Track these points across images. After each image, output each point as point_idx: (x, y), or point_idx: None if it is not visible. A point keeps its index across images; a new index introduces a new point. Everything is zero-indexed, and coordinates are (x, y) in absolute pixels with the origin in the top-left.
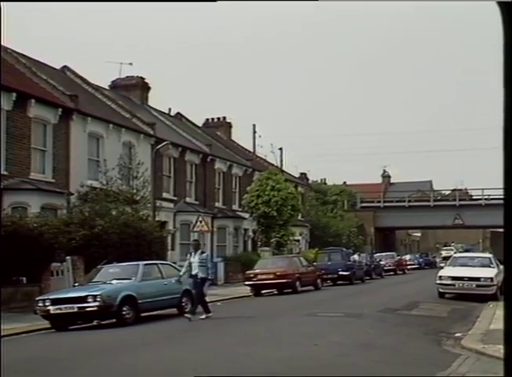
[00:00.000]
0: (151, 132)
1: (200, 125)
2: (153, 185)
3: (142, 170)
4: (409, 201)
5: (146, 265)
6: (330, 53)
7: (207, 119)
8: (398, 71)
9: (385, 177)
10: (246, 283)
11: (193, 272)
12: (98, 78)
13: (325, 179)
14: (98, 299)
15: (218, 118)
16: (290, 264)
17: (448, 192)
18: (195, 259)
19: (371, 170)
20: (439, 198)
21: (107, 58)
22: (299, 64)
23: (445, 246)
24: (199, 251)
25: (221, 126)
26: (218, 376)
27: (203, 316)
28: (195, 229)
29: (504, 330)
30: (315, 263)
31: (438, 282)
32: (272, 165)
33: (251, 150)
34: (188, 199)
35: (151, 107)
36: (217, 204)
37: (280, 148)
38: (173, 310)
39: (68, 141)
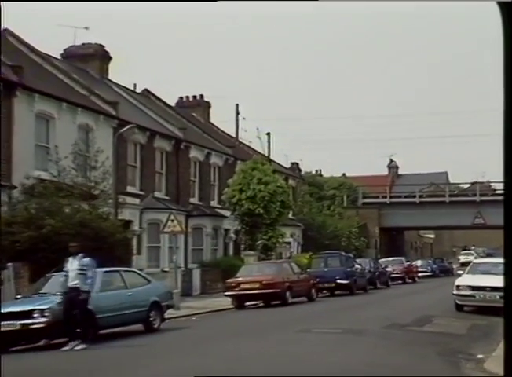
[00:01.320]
0: (113, 112)
1: (173, 104)
2: (115, 177)
3: (102, 158)
4: (420, 196)
5: (106, 272)
6: (329, 26)
7: (181, 98)
8: (404, 48)
9: (392, 168)
10: (227, 293)
11: (70, 284)
12: (48, 46)
13: (321, 170)
14: (46, 314)
15: (194, 97)
16: (279, 271)
17: (466, 186)
18: (73, 266)
19: (375, 160)
20: (456, 192)
21: (58, 21)
22: (291, 37)
23: (464, 250)
24: (80, 256)
25: (198, 106)
26: (218, 376)
27: (79, 347)
28: (165, 230)
29: (504, 329)
30: (308, 270)
31: (455, 292)
32: (258, 153)
33: (233, 135)
34: (157, 194)
35: (113, 83)
36: (192, 200)
37: (268, 133)
38: (139, 326)
39: (11, 123)
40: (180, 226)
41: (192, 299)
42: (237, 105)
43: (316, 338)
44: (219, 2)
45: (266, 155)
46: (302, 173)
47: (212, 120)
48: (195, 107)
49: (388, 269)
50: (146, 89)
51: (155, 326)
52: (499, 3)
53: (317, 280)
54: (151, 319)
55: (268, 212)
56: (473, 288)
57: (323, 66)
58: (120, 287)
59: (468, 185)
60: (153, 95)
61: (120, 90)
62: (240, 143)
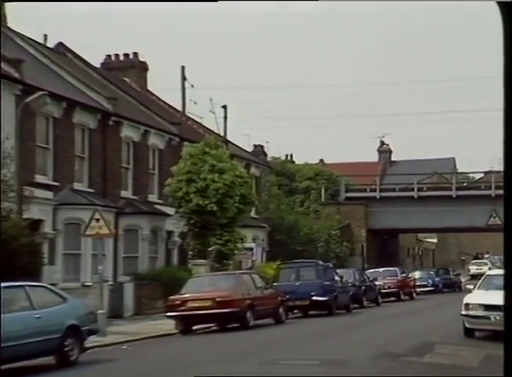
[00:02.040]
0: (16, 75)
1: (98, 65)
2: (19, 162)
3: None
4: (420, 190)
5: (6, 288)
6: None
7: (108, 57)
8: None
9: (384, 152)
10: (170, 314)
11: None
12: None
13: (292, 155)
14: None
15: (127, 56)
16: (237, 285)
17: (479, 176)
18: None
19: (361, 142)
20: (465, 185)
21: None
22: None
23: (475, 258)
24: None
25: (132, 68)
26: (218, 376)
27: None
28: (87, 232)
29: (504, 329)
30: (276, 283)
31: (464, 313)
32: (212, 132)
33: (179, 108)
34: (77, 186)
35: (15, 33)
36: (124, 193)
37: (224, 106)
38: (51, 359)
39: None
40: (107, 227)
41: (123, 322)
42: (183, 68)
43: (286, 372)
44: None
45: (222, 135)
46: (268, 158)
47: (151, 88)
48: (128, 70)
49: (378, 283)
50: (61, 44)
51: (72, 358)
52: (499, 3)
53: (287, 296)
54: (66, 349)
55: (223, 209)
56: (487, 308)
57: (295, 22)
58: (25, 307)
59: (481, 175)
60: (71, 51)
61: (25, 44)
62: (188, 119)
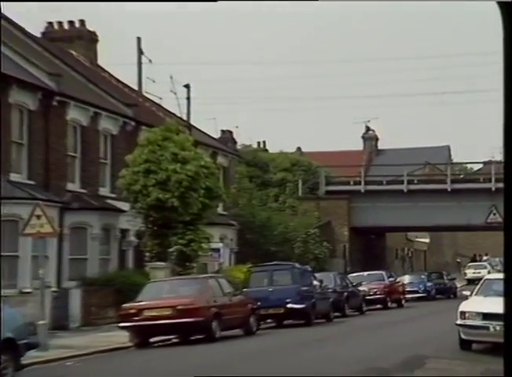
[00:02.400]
0: None
1: (38, 34)
2: None
3: None
4: (410, 182)
5: None
6: None
7: (50, 25)
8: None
9: (369, 139)
10: (123, 324)
11: None
12: None
13: (265, 143)
14: None
15: (72, 24)
16: (201, 291)
17: (477, 167)
18: None
19: (344, 128)
20: (462, 177)
21: None
22: None
23: (472, 261)
24: None
25: (78, 39)
26: (218, 376)
27: None
28: (27, 231)
29: (504, 341)
30: (246, 289)
31: (460, 322)
32: (173, 116)
33: (135, 87)
34: (14, 177)
35: None
36: (70, 186)
37: (187, 86)
38: None
39: None
40: (50, 225)
41: (69, 334)
42: (139, 40)
43: None
44: None
45: (184, 118)
46: (238, 146)
47: (102, 62)
48: (75, 42)
49: (362, 288)
50: None
51: None
52: (499, 3)
53: (258, 303)
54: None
55: (186, 204)
56: (486, 316)
57: None
58: None
59: (480, 166)
60: (5, 18)
61: None
62: (146, 99)
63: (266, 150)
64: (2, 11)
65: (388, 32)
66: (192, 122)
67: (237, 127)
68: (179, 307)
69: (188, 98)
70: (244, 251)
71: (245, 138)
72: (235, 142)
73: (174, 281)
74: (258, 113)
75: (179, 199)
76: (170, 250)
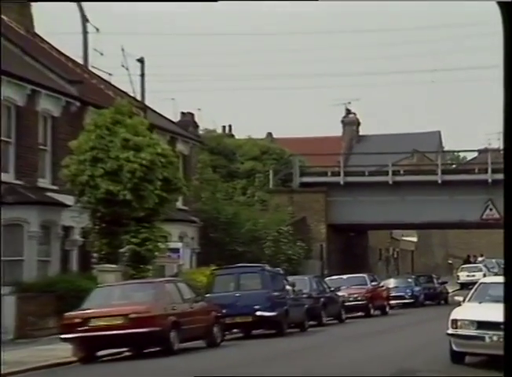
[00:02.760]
0: None
1: None
2: None
3: None
4: (395, 173)
5: None
6: None
7: None
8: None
9: (350, 124)
10: (66, 336)
11: None
12: None
13: (231, 128)
14: None
15: None
16: (158, 296)
17: (472, 156)
18: None
19: (320, 112)
20: (455, 167)
21: None
22: None
23: (466, 262)
24: None
25: (10, 1)
26: (218, 376)
27: None
28: None
29: (504, 353)
30: (209, 294)
31: (451, 332)
32: (125, 95)
33: (80, 61)
34: None
35: None
36: (3, 177)
37: (141, 60)
38: None
39: None
40: None
41: (1, 348)
42: (80, 4)
43: None
44: None
45: (138, 98)
46: (200, 131)
47: (40, 31)
48: (5, 5)
49: (341, 294)
50: None
51: None
52: (499, 3)
53: (223, 311)
54: None
55: (140, 198)
56: (481, 325)
57: None
58: None
59: (474, 155)
60: None
61: None
62: (93, 76)
63: (232, 136)
64: None
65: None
66: (147, 102)
67: (199, 109)
68: (131, 315)
69: (143, 75)
70: (207, 252)
71: (208, 122)
72: (196, 126)
73: (126, 286)
74: (224, 93)
75: (132, 191)
76: (122, 250)
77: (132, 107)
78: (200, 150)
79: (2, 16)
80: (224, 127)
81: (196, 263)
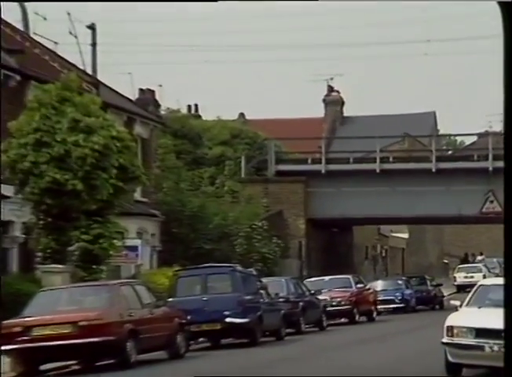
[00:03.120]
0: None
1: None
2: None
3: None
4: (384, 160)
5: None
6: None
7: None
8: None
9: (332, 103)
10: (4, 347)
11: None
12: None
13: (197, 107)
14: None
15: None
16: (112, 301)
17: (471, 140)
18: None
19: (300, 89)
20: (451, 153)
21: None
22: None
23: (463, 261)
24: None
25: None
26: (218, 376)
27: None
28: None
29: (504, 337)
30: (172, 299)
31: (447, 340)
32: (73, 68)
33: (20, 27)
34: None
35: None
36: None
37: (92, 27)
38: None
39: None
40: None
41: None
42: None
43: None
44: None
45: (89, 72)
46: (162, 111)
47: None
48: None
49: (322, 298)
50: None
51: None
52: (499, 3)
53: (188, 317)
54: None
55: (92, 188)
56: (481, 333)
57: None
58: None
59: (473, 139)
60: None
61: None
62: (35, 44)
63: (199, 116)
64: None
65: None
66: (100, 77)
67: (161, 86)
68: (81, 323)
69: (94, 44)
70: (170, 250)
71: (171, 101)
72: (157, 105)
73: (75, 289)
74: (189, 67)
75: (82, 180)
76: (71, 248)
77: (82, 83)
78: (162, 133)
79: None
80: (189, 107)
81: (157, 263)
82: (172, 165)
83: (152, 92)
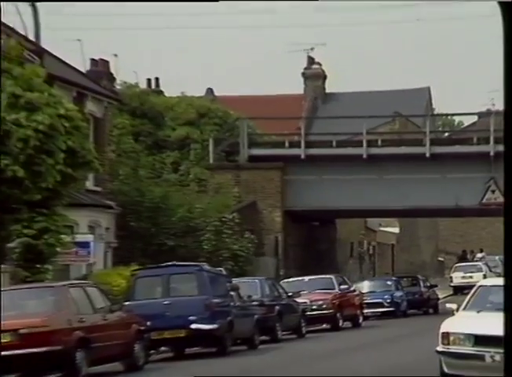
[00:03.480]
0: None
1: None
2: None
3: None
4: (371, 144)
5: None
6: None
7: None
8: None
9: (313, 78)
10: None
11: None
12: None
13: (158, 81)
14: None
15: None
16: (59, 306)
17: (470, 121)
18: None
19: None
20: (447, 135)
21: None
22: None
23: (461, 259)
24: None
25: None
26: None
27: None
28: None
29: (504, 344)
30: (129, 302)
31: (442, 349)
32: (13, 33)
33: None
34: None
35: None
36: None
37: None
38: None
39: None
40: None
41: None
42: None
43: None
44: None
45: (31, 38)
46: (118, 86)
47: None
48: None
49: (301, 300)
50: None
51: None
52: (500, 3)
53: (148, 323)
54: None
55: (36, 175)
56: (480, 340)
57: None
58: None
59: (474, 119)
60: None
61: None
62: None
63: (161, 92)
64: None
65: None
66: (44, 44)
67: (116, 56)
68: (23, 331)
69: (34, 6)
70: (127, 246)
71: (128, 73)
72: (112, 79)
73: (16, 292)
74: (149, 33)
75: (24, 166)
76: (11, 245)
77: (23, 51)
78: (118, 111)
79: None
80: (149, 81)
81: (112, 261)
82: (129, 149)
83: (106, 63)
